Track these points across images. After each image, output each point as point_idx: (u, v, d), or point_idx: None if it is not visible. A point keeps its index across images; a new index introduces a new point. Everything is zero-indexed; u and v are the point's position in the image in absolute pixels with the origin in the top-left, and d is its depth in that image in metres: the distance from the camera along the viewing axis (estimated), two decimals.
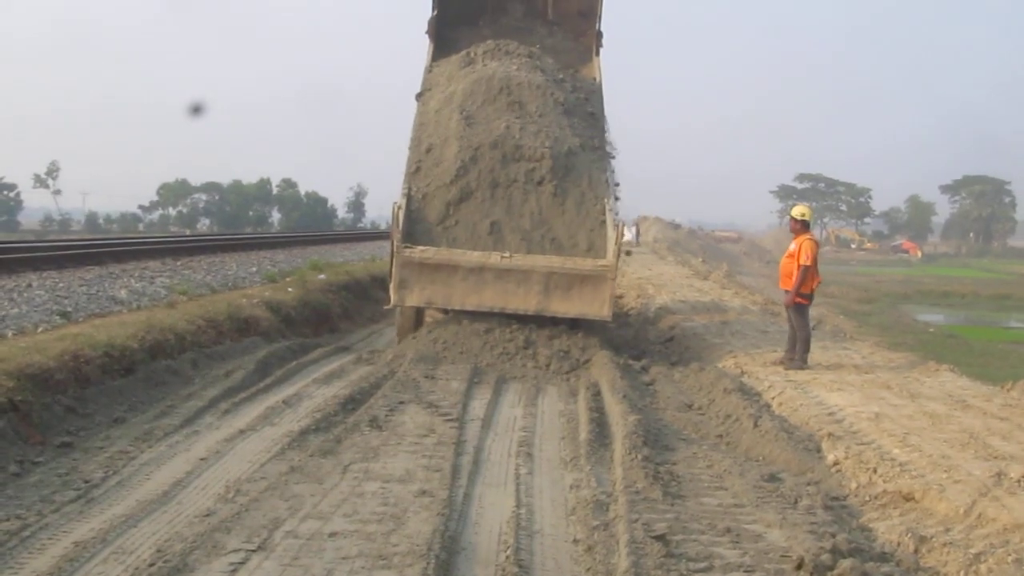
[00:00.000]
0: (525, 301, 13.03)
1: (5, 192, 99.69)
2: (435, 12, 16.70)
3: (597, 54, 17.09)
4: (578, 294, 13.03)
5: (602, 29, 17.17)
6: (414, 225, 13.48)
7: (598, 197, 13.79)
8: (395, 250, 13.07)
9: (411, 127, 14.93)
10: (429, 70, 16.24)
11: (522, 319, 13.17)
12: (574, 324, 13.47)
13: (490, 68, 15.13)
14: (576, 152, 14.11)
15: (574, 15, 17.46)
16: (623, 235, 13.38)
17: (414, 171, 14.09)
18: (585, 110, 15.41)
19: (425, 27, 16.84)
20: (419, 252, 13.04)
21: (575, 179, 13.90)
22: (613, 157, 15.47)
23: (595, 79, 16.64)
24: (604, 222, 13.58)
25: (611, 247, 13.14)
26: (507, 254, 13.10)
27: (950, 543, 6.12)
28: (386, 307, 13.84)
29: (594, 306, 13.03)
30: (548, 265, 13.00)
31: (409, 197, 13.63)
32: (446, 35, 16.87)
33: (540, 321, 13.17)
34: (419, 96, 15.60)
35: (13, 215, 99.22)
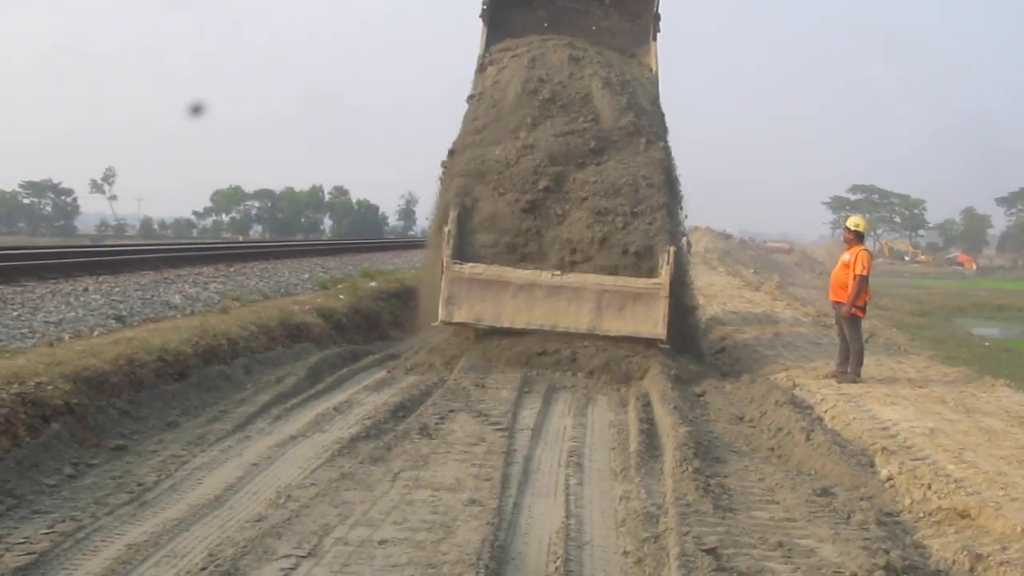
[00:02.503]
0: (576, 320, 12.89)
1: (63, 197, 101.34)
2: None
3: (654, 38, 16.91)
4: (631, 312, 12.87)
5: (659, 12, 16.94)
6: (463, 238, 13.41)
7: (654, 208, 13.65)
8: (444, 266, 13.01)
9: (460, 130, 15.02)
10: (482, 58, 16.20)
11: None
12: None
13: (544, 83, 14.99)
14: (632, 162, 14.08)
15: None
16: (671, 259, 13.05)
17: (463, 184, 14.01)
18: (641, 107, 15.20)
19: (479, 11, 16.77)
20: (469, 268, 13.00)
21: (629, 192, 13.79)
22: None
23: (652, 68, 16.52)
24: (662, 230, 13.46)
25: (664, 266, 12.99)
26: (558, 272, 13.01)
27: (1007, 562, 6.01)
28: (433, 324, 13.53)
29: (647, 325, 12.83)
30: (600, 283, 12.90)
31: (460, 211, 13.57)
32: (500, 17, 16.77)
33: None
34: (470, 99, 15.58)
35: (70, 220, 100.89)
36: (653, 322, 12.82)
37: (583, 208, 13.59)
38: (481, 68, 16.03)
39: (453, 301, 13.00)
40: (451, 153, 14.79)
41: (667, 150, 15.05)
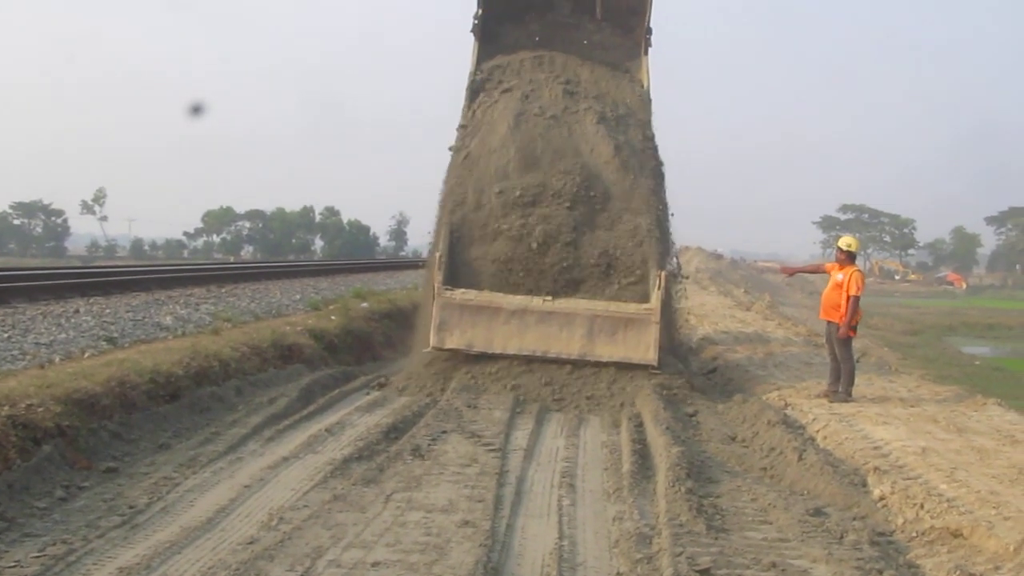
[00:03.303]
0: (568, 346, 12.82)
1: (53, 218, 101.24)
2: (480, 11, 16.39)
3: (645, 53, 16.78)
4: (623, 338, 12.81)
5: (651, 26, 16.81)
6: (454, 264, 13.41)
7: (649, 230, 13.67)
8: (436, 292, 13.01)
9: (451, 161, 14.90)
10: (473, 75, 16.06)
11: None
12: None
13: (537, 118, 14.74)
14: (618, 192, 14.01)
15: (623, 12, 17.01)
16: (662, 284, 13.02)
17: (452, 209, 13.99)
18: (633, 146, 14.99)
19: (470, 26, 16.52)
20: (460, 295, 12.97)
21: (619, 214, 13.84)
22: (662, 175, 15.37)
23: (643, 83, 16.45)
24: (652, 255, 13.44)
25: (655, 292, 12.98)
26: (549, 298, 12.98)
27: None
28: (425, 350, 13.35)
29: (639, 350, 12.76)
30: (591, 309, 12.87)
31: (450, 236, 13.59)
32: (492, 31, 16.61)
33: None
34: (460, 128, 15.36)
35: (60, 241, 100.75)
36: (644, 347, 12.76)
37: (572, 238, 13.58)
38: (472, 89, 15.86)
39: (445, 327, 12.95)
40: (445, 182, 14.69)
41: (659, 177, 15.08)
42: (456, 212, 13.92)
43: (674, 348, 14.98)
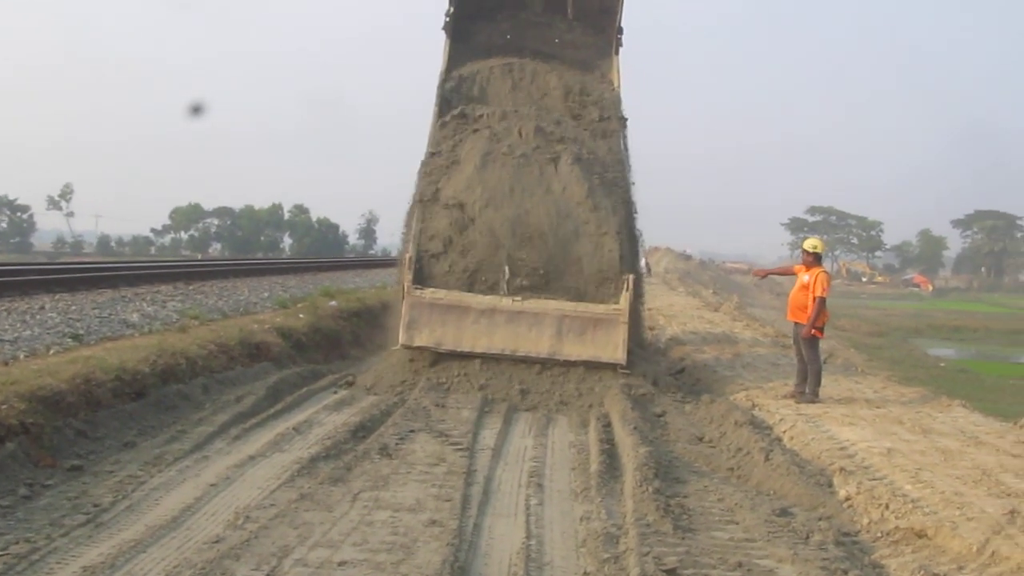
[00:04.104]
0: (537, 345, 12.88)
1: (18, 214, 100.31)
2: (452, 9, 16.48)
3: (616, 53, 17.01)
4: (591, 338, 12.89)
5: (622, 26, 17.04)
6: (424, 264, 13.47)
7: (615, 233, 13.70)
8: (405, 291, 13.08)
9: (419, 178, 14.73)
10: (444, 75, 16.05)
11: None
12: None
13: (506, 156, 14.41)
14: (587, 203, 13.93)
15: (595, 11, 17.27)
16: (631, 286, 13.21)
17: (423, 210, 13.99)
18: (609, 184, 14.71)
19: (442, 23, 16.59)
20: (430, 294, 13.06)
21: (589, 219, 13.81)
22: (632, 183, 15.43)
23: (614, 84, 16.61)
24: (620, 258, 13.55)
25: (624, 293, 13.11)
26: (518, 298, 13.03)
27: None
28: (394, 347, 13.55)
29: (607, 350, 12.84)
30: (560, 309, 12.93)
31: (420, 237, 13.63)
32: (464, 29, 16.70)
33: None
34: (429, 156, 14.97)
35: (26, 237, 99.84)
36: (613, 347, 12.84)
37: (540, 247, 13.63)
38: (442, 97, 15.75)
39: (414, 325, 12.98)
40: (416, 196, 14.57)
41: (626, 189, 15.18)
42: (424, 221, 13.88)
43: (642, 348, 15.02)
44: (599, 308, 12.97)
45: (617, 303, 13.07)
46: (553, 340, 12.88)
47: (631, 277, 13.34)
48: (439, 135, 15.16)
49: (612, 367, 12.90)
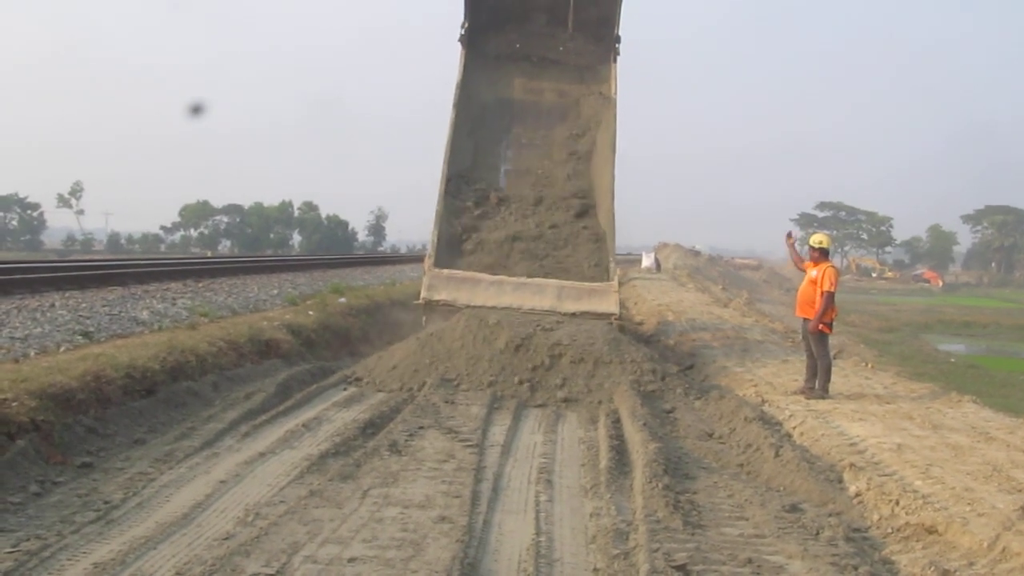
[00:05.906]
0: (540, 302, 14.99)
1: (29, 211, 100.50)
2: (467, 23, 18.04)
3: (614, 61, 18.48)
4: (587, 300, 15.12)
5: (620, 34, 18.54)
6: (446, 247, 15.93)
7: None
8: (427, 267, 15.51)
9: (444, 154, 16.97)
10: (460, 81, 17.75)
11: (545, 341, 13.10)
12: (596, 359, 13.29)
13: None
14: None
15: (594, 22, 18.89)
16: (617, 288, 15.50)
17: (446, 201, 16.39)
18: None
19: (457, 36, 18.08)
20: (447, 271, 15.37)
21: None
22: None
23: (611, 92, 18.23)
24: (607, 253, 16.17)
25: (614, 274, 15.74)
26: (523, 278, 15.19)
27: None
28: (415, 302, 15.67)
29: (603, 305, 15.06)
30: (560, 283, 15.29)
31: (441, 225, 16.05)
32: (477, 39, 18.34)
33: (562, 347, 13.06)
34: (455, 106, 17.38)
35: (36, 234, 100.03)
36: (607, 303, 15.12)
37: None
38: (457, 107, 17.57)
39: (433, 288, 15.18)
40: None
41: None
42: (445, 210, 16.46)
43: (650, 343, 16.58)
44: (594, 284, 15.32)
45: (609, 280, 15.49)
46: (554, 300, 15.05)
47: (615, 283, 15.60)
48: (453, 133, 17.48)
49: (621, 362, 13.02)
